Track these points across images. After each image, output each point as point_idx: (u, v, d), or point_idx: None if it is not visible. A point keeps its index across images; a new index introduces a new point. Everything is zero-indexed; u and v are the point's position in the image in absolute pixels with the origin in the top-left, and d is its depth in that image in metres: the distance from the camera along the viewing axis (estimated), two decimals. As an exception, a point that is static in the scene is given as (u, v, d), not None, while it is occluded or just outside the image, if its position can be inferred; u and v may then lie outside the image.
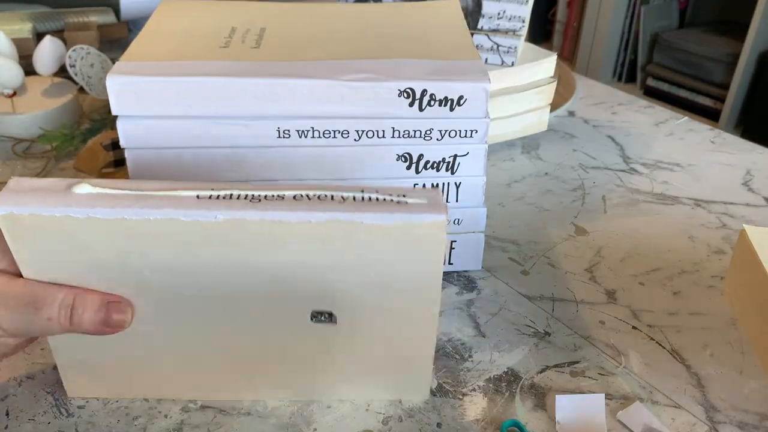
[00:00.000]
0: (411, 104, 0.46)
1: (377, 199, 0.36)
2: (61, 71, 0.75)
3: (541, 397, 0.44)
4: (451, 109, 0.47)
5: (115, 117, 0.46)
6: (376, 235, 0.35)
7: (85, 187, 0.36)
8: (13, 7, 0.87)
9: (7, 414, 0.42)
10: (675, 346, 0.49)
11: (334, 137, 0.47)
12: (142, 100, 0.45)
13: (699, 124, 0.83)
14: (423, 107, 0.47)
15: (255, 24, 0.54)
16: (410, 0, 0.63)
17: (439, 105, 0.47)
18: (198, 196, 0.35)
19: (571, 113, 0.84)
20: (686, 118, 0.84)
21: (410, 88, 0.46)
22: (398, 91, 0.46)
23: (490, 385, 0.45)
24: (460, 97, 0.46)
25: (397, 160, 0.49)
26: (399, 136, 0.48)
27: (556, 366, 0.47)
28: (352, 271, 0.37)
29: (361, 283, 0.38)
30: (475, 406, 0.44)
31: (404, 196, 0.36)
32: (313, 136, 0.47)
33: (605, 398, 0.44)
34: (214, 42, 0.50)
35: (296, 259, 0.37)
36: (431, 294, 0.38)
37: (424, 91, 0.46)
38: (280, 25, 0.54)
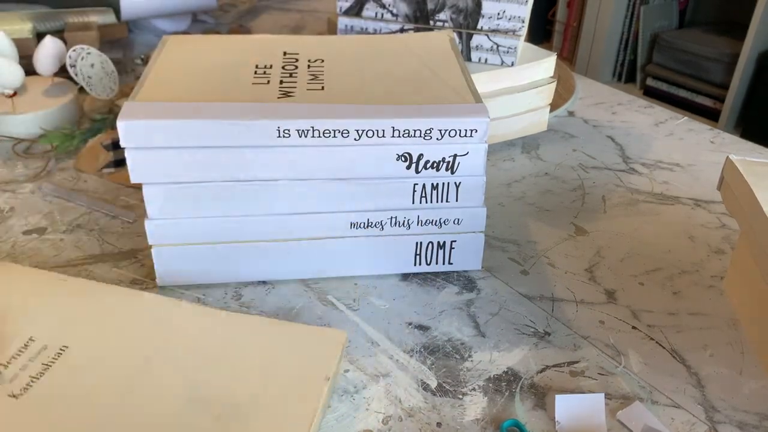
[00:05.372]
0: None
1: None
2: (61, 71, 0.75)
3: (540, 397, 0.44)
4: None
5: (115, 117, 0.46)
6: None
7: None
8: (14, 7, 0.87)
9: (7, 414, 0.42)
10: (675, 346, 0.49)
11: (334, 137, 0.47)
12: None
13: (699, 124, 0.83)
14: (423, 107, 0.47)
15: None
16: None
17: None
18: None
19: (571, 113, 0.84)
20: (686, 118, 0.84)
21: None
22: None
23: (490, 384, 0.45)
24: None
25: (397, 159, 0.49)
26: (399, 136, 0.48)
27: (555, 366, 0.47)
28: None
29: None
30: (475, 406, 0.44)
31: None
32: (313, 136, 0.47)
33: (605, 398, 0.44)
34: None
35: None
36: None
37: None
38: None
